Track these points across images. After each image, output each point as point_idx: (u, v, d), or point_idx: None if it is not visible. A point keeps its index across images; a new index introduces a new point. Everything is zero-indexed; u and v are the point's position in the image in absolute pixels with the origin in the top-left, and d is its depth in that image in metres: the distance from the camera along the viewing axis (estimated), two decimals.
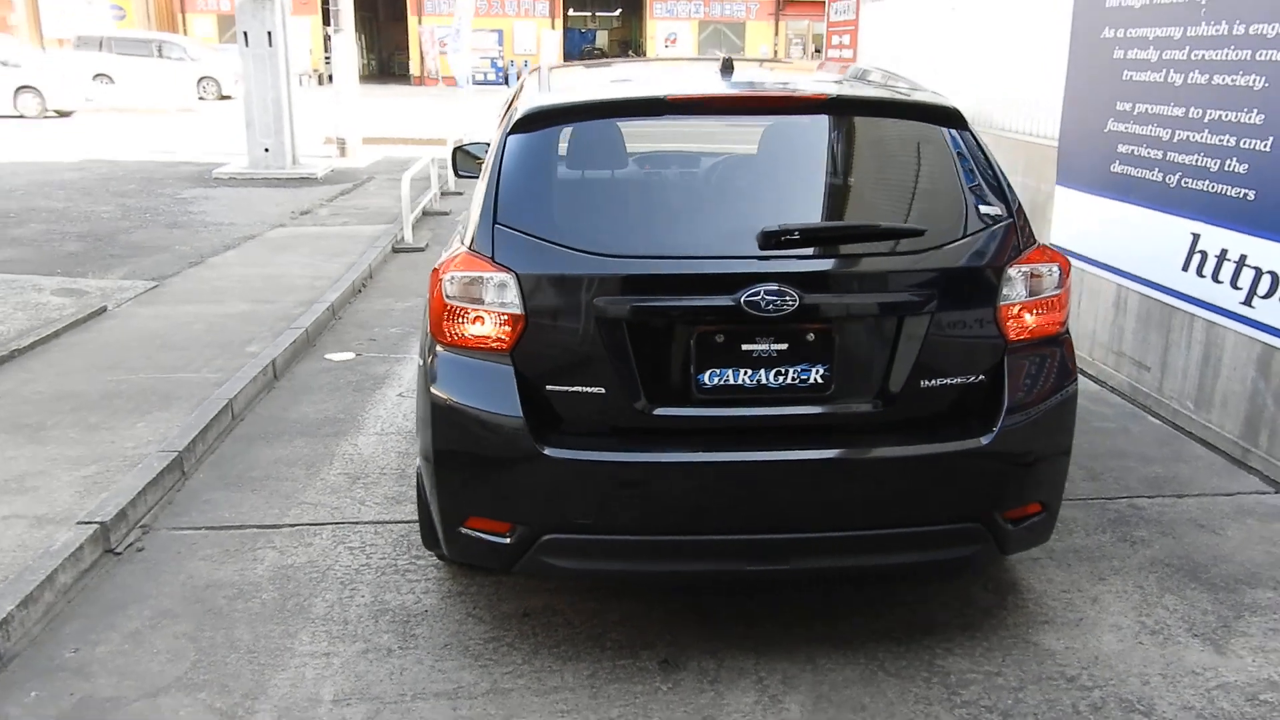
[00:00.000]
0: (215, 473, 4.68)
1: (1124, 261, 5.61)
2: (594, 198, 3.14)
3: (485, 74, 37.95)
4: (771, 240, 2.92)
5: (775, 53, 36.03)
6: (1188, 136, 5.02)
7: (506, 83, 38.03)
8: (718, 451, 2.97)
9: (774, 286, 2.86)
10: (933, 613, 3.54)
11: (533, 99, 3.28)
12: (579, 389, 2.97)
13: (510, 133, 3.18)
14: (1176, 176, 5.11)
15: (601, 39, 49.62)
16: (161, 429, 4.93)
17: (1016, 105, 6.87)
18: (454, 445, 3.04)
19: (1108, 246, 5.77)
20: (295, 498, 4.41)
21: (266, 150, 14.48)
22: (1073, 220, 6.10)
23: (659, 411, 2.98)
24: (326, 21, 38.72)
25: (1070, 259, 5.76)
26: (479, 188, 3.28)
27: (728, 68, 3.55)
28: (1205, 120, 4.90)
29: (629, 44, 46.37)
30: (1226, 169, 4.75)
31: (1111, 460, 4.82)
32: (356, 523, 4.18)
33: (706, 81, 3.48)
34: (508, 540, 3.03)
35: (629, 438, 2.99)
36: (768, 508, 3.00)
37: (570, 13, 46.21)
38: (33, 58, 25.81)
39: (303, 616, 3.51)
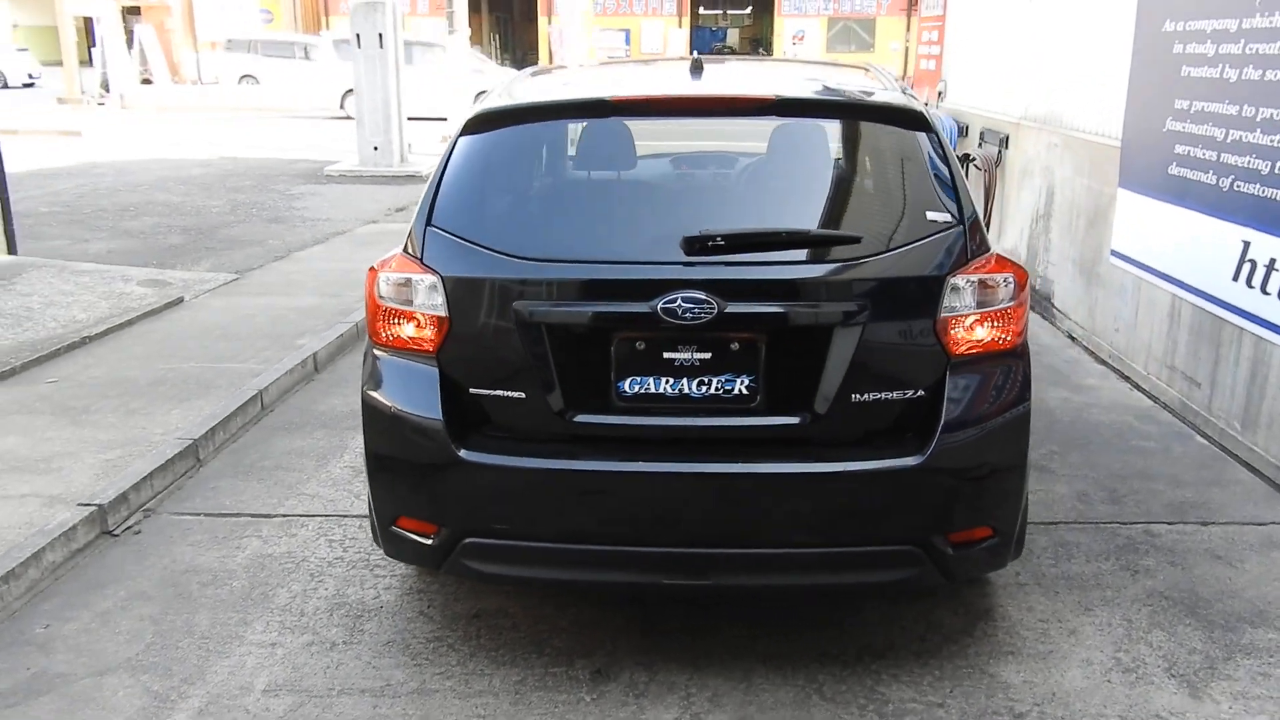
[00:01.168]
0: (230, 461, 4.85)
1: (1178, 270, 5.25)
2: (527, 200, 3.12)
3: None
4: (695, 246, 2.85)
5: (905, 50, 35.01)
6: (1240, 137, 4.66)
7: None
8: (635, 461, 2.91)
9: (691, 294, 2.79)
10: (891, 635, 3.39)
11: (486, 102, 3.28)
12: (501, 393, 2.96)
13: (459, 135, 3.19)
14: (1229, 180, 4.75)
15: (733, 37, 49.33)
16: (192, 416, 5.14)
17: (1083, 103, 6.50)
18: (382, 445, 3.07)
19: (1163, 254, 5.41)
20: (297, 489, 4.53)
21: (376, 148, 14.94)
22: (1132, 225, 5.75)
23: (579, 418, 2.94)
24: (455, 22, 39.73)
25: (1132, 266, 5.48)
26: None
27: (697, 68, 3.48)
28: (1258, 119, 4.54)
29: (759, 41, 45.98)
30: (1278, 172, 4.39)
31: (1138, 482, 4.52)
32: (345, 516, 4.27)
33: (661, 83, 3.41)
34: (433, 541, 3.04)
35: (548, 444, 2.96)
36: (687, 521, 2.92)
37: (701, 10, 46.13)
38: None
39: (263, 606, 3.60)
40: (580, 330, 2.91)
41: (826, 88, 3.39)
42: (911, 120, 3.15)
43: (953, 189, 3.04)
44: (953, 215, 2.97)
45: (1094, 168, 6.29)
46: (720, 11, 47.88)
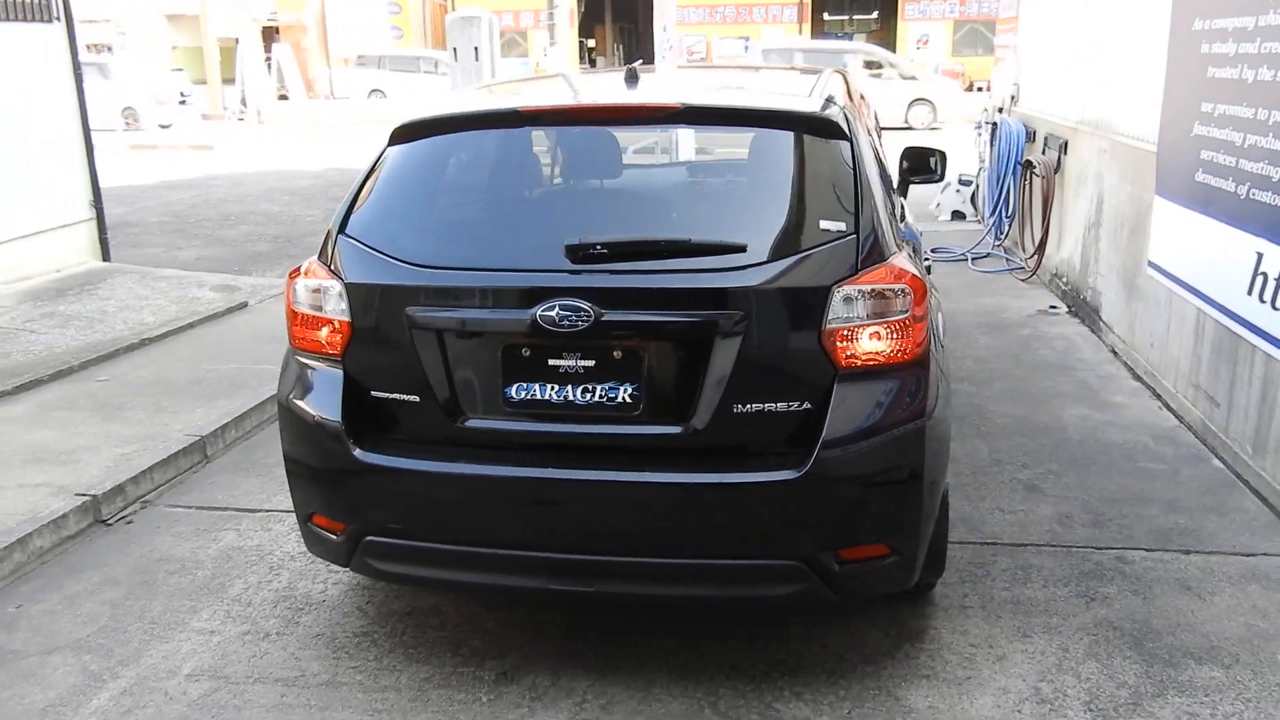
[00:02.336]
0: (237, 457, 5.10)
1: (1202, 283, 4.96)
2: (432, 210, 3.20)
3: None
4: (576, 254, 2.88)
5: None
6: (1255, 142, 4.39)
7: None
8: (520, 466, 2.95)
9: (569, 301, 2.81)
10: (809, 652, 3.33)
11: (410, 114, 3.38)
12: (399, 396, 3.04)
13: (386, 146, 3.31)
14: (1245, 187, 4.48)
15: (859, 41, 48.56)
16: (213, 415, 5.42)
17: (1127, 106, 6.21)
18: (293, 445, 3.20)
19: (1190, 265, 5.12)
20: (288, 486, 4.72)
21: None
22: (1166, 235, 5.46)
23: (470, 423, 3.00)
24: (582, 34, 40.41)
25: (1164, 279, 5.22)
26: None
27: (632, 78, 3.51)
28: (1270, 123, 4.26)
29: (888, 47, 45.12)
30: None
31: (1130, 506, 4.29)
32: None
33: (582, 93, 3.44)
34: (339, 539, 3.15)
35: (441, 447, 3.03)
36: (570, 527, 2.95)
37: (826, 16, 45.62)
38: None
39: (217, 595, 3.79)
40: (469, 336, 2.97)
41: (745, 96, 3.36)
42: (819, 128, 3.10)
43: (854, 198, 2.97)
44: (848, 225, 2.91)
45: (1136, 174, 6.00)
46: (846, 17, 47.24)
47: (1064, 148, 7.59)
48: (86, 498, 4.34)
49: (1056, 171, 7.72)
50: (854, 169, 3.04)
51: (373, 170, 3.28)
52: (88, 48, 44.62)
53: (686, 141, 3.38)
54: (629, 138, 4.30)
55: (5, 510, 4.27)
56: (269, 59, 31.26)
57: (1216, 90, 4.79)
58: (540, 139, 3.24)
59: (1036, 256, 8.01)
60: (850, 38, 48.49)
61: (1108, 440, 5.00)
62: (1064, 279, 7.58)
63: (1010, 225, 8.84)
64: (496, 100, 3.30)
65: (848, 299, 2.83)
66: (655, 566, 2.93)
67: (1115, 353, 6.28)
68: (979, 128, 10.14)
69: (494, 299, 2.93)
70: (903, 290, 2.87)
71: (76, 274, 8.61)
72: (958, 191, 10.76)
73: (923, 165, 5.37)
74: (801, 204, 3.01)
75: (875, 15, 45.87)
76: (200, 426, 5.21)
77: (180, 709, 3.13)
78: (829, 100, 3.27)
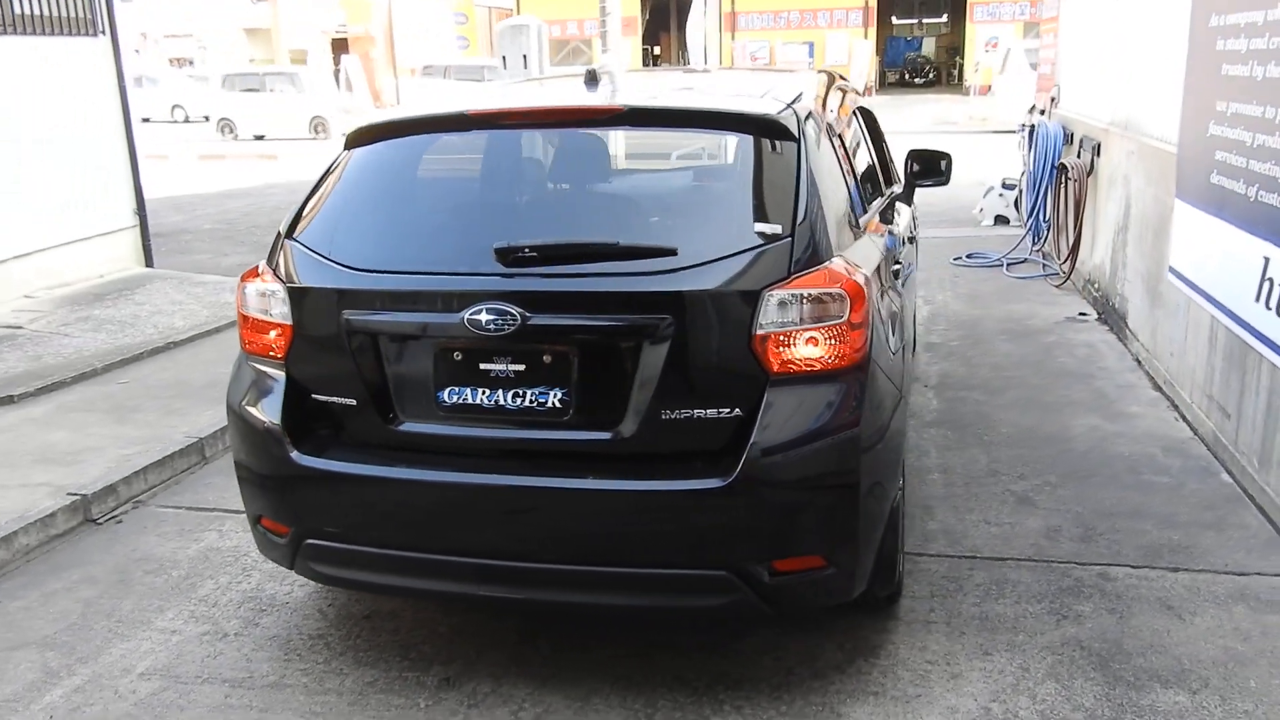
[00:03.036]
0: None
1: (1216, 288, 4.76)
2: (372, 213, 3.19)
3: None
4: (506, 257, 2.85)
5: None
6: (1264, 142, 4.19)
7: None
8: (450, 471, 2.93)
9: (495, 305, 2.79)
10: (759, 665, 3.25)
11: (366, 119, 3.40)
12: (338, 400, 3.05)
13: (343, 150, 3.33)
14: (1255, 189, 4.28)
15: (928, 47, 47.91)
16: (220, 417, 5.50)
17: (1152, 108, 5.99)
18: (240, 448, 3.22)
19: (1205, 270, 4.91)
20: None
21: None
22: (1185, 239, 5.25)
23: (404, 427, 2.99)
24: (646, 41, 40.53)
25: (1182, 284, 5.03)
26: None
27: (591, 80, 3.48)
28: (1278, 121, 4.07)
29: (956, 50, 44.42)
30: None
31: (1125, 520, 4.12)
32: None
33: (536, 96, 3.42)
34: (283, 542, 3.17)
35: (376, 451, 3.03)
36: (501, 533, 2.92)
37: (894, 20, 45.08)
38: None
39: (186, 595, 3.84)
40: (402, 340, 2.96)
41: (691, 97, 3.31)
42: (763, 129, 3.03)
43: (794, 200, 2.89)
44: (784, 228, 2.84)
45: (1160, 177, 5.78)
46: (915, 20, 46.62)
47: (1097, 150, 7.36)
48: (77, 497, 4.44)
49: (1090, 174, 7.48)
50: (797, 171, 2.96)
51: (326, 175, 3.30)
52: (171, 61, 46.17)
53: (619, 144, 3.34)
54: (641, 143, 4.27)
55: (1, 509, 4.38)
56: (337, 70, 31.89)
57: (1230, 89, 4.60)
58: (488, 142, 3.22)
59: (1069, 262, 7.77)
60: (919, 41, 47.88)
61: (1114, 452, 4.82)
62: (1095, 285, 7.35)
63: (1048, 230, 8.60)
64: (447, 104, 3.30)
65: (779, 303, 2.76)
66: (584, 575, 2.88)
67: (1139, 361, 6.06)
68: (1022, 130, 9.89)
69: (425, 302, 2.92)
70: (837, 295, 2.79)
71: (117, 279, 8.85)
72: (1000, 196, 10.52)
73: (930, 168, 5.26)
74: (738, 206, 2.95)
75: (945, 18, 45.20)
76: (203, 428, 5.30)
77: (126, 707, 3.17)
78: (783, 101, 3.20)
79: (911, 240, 4.76)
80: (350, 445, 3.06)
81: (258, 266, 3.21)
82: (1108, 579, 3.69)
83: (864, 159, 4.31)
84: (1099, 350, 6.38)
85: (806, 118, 3.25)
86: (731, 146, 3.06)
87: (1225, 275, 4.60)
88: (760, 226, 2.84)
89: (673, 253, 2.81)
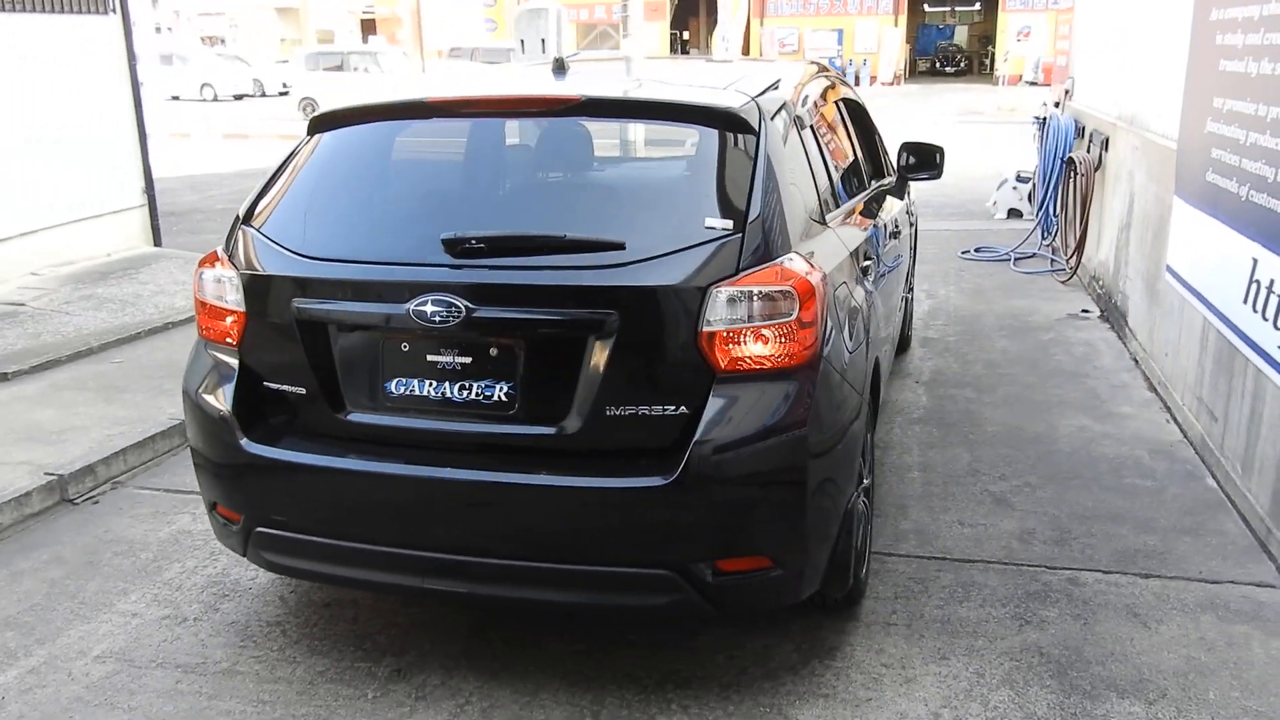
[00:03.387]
0: None
1: (1207, 289, 4.66)
2: (326, 201, 3.16)
3: None
4: (454, 249, 2.82)
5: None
6: (1255, 140, 4.09)
7: None
8: (394, 463, 2.91)
9: (440, 296, 2.76)
10: (713, 664, 3.22)
11: (329, 105, 3.37)
12: (288, 388, 3.04)
13: (306, 136, 3.31)
14: (1245, 188, 4.18)
15: (961, 35, 47.37)
16: None
17: (1155, 103, 5.86)
18: (194, 434, 3.22)
19: (1198, 270, 4.81)
20: None
21: None
22: (1181, 237, 5.14)
23: (353, 417, 2.97)
24: (674, 25, 40.30)
25: (1177, 283, 4.94)
26: None
27: (559, 69, 3.44)
28: (1268, 118, 3.96)
29: (989, 39, 43.88)
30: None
31: (1101, 525, 4.05)
32: None
33: (498, 84, 3.38)
34: (236, 529, 3.16)
35: (325, 441, 3.01)
36: (445, 526, 2.90)
37: (927, 8, 44.58)
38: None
39: (150, 579, 3.85)
40: (350, 329, 2.94)
41: (652, 88, 3.25)
42: (723, 122, 2.98)
43: (748, 195, 2.84)
44: (736, 223, 2.79)
45: (1162, 173, 5.66)
46: (948, 8, 46.09)
47: (1105, 144, 7.23)
48: (53, 477, 4.47)
49: (1097, 169, 7.35)
50: (755, 165, 2.91)
51: (287, 160, 3.28)
52: (202, 40, 46.46)
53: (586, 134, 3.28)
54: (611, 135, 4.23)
55: None
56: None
57: (1227, 85, 4.49)
58: (445, 130, 3.19)
59: (1075, 257, 7.66)
60: (951, 30, 47.35)
61: (1099, 453, 4.74)
62: (1099, 282, 7.23)
63: (1056, 225, 8.47)
64: (409, 91, 3.27)
65: (726, 300, 2.71)
66: (527, 570, 2.86)
67: (1136, 361, 5.96)
68: (1035, 123, 9.73)
69: (372, 292, 2.89)
70: (787, 293, 2.73)
71: (124, 258, 8.91)
72: (1014, 189, 10.37)
73: (923, 161, 5.20)
74: (691, 200, 2.90)
75: (978, 6, 44.66)
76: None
77: (77, 690, 3.18)
78: (747, 93, 3.14)
79: (895, 235, 4.68)
80: (300, 435, 3.05)
81: (215, 252, 3.19)
82: (1077, 584, 3.63)
83: (847, 152, 4.24)
84: (1097, 349, 6.28)
85: (775, 111, 3.19)
86: (690, 139, 3.01)
87: (1216, 276, 4.50)
88: (711, 221, 2.79)
89: (620, 246, 2.77)
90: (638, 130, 3.15)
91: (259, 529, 3.08)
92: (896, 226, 4.86)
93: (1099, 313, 6.96)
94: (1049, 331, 6.67)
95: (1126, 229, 6.46)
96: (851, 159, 4.28)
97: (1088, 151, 7.68)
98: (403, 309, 2.80)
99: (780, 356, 2.75)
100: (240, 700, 3.12)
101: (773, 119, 3.13)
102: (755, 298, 2.72)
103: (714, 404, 2.73)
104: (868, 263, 3.64)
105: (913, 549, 3.90)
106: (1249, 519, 3.97)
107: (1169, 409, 5.19)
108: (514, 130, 3.26)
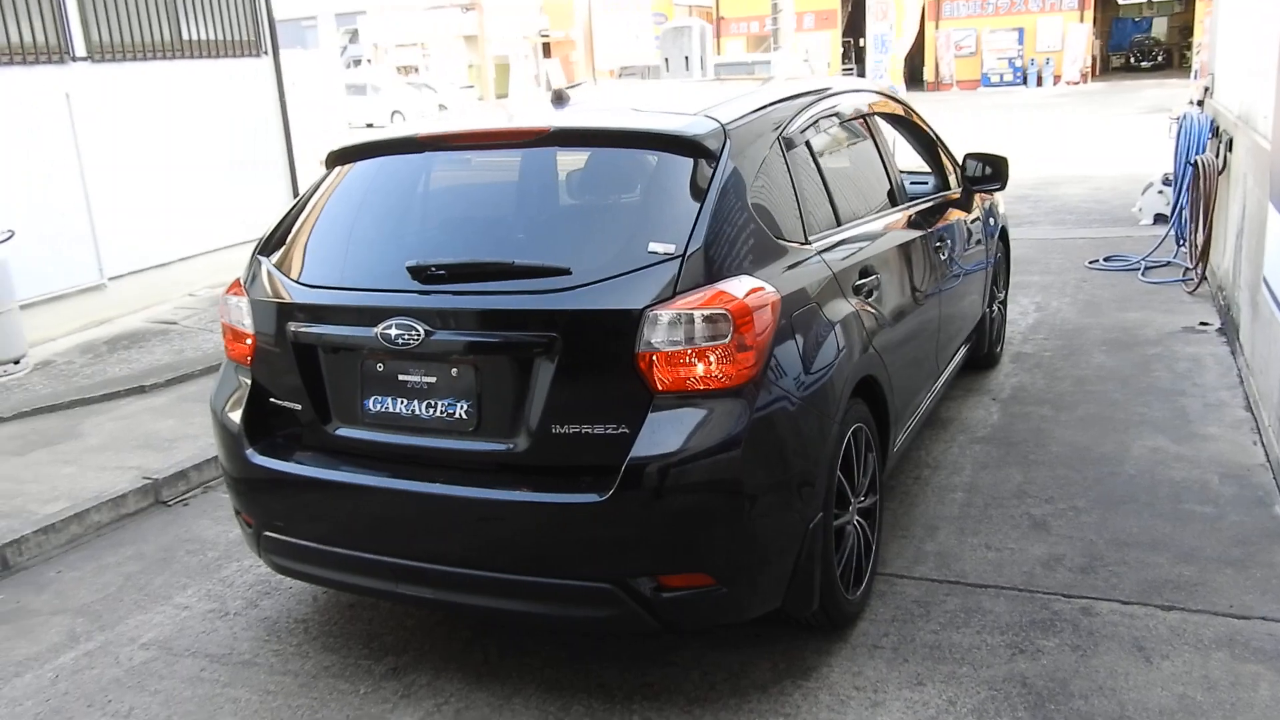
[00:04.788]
0: None
1: None
2: (323, 232, 3.41)
3: (1002, 75, 36.30)
4: (418, 275, 3.01)
5: None
6: None
7: (1025, 83, 36.02)
8: (372, 474, 3.11)
9: (403, 320, 2.96)
10: (688, 677, 3.27)
11: (343, 141, 3.65)
12: (288, 404, 3.31)
13: (326, 170, 3.60)
14: None
15: (1159, 28, 44.59)
16: None
17: (1262, 103, 5.46)
18: (219, 444, 3.54)
19: None
20: None
21: None
22: (1275, 247, 4.78)
23: (339, 432, 3.21)
24: (847, 33, 39.78)
25: (1268, 295, 4.65)
26: None
27: (558, 99, 3.59)
28: None
29: (1190, 30, 41.08)
30: None
31: (1138, 552, 3.84)
32: None
33: (483, 118, 3.54)
34: (251, 533, 3.46)
35: (315, 453, 3.26)
36: (413, 535, 3.08)
37: (1120, 1, 42.21)
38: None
39: (210, 575, 4.23)
40: (334, 351, 3.17)
41: (619, 116, 3.35)
42: (679, 148, 3.05)
43: (695, 219, 2.90)
44: (678, 247, 2.85)
45: (1264, 178, 5.28)
46: (1144, 0, 43.46)
47: (1230, 145, 6.77)
48: (149, 481, 4.95)
49: (1222, 171, 6.88)
50: (707, 189, 2.97)
51: (307, 194, 3.57)
52: (398, 70, 49.22)
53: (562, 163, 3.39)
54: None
55: (86, 487, 4.96)
56: (536, 75, 33.11)
57: None
58: (434, 163, 3.39)
59: (1200, 266, 7.18)
60: (1149, 22, 44.67)
61: (1164, 477, 4.47)
62: (1223, 292, 6.76)
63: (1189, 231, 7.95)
64: (411, 128, 3.49)
65: (662, 322, 2.78)
66: (482, 580, 3.00)
67: (1241, 378, 5.55)
68: (1174, 122, 9.15)
69: (351, 317, 3.12)
70: (722, 316, 2.78)
71: None
72: (1160, 193, 9.77)
73: (987, 171, 5.09)
74: (640, 225, 2.97)
75: None
76: None
77: (119, 672, 3.55)
78: (715, 118, 3.19)
79: (941, 249, 4.57)
80: (296, 447, 3.31)
81: (238, 279, 3.51)
82: (1089, 614, 3.47)
83: (862, 171, 4.20)
84: (1202, 364, 5.88)
85: (749, 134, 3.24)
86: (652, 165, 3.09)
87: None
88: (654, 245, 2.87)
89: (566, 272, 2.88)
90: (606, 157, 3.24)
91: (265, 533, 3.37)
92: (951, 240, 4.75)
93: (1218, 326, 6.51)
94: (1156, 346, 6.29)
95: (1240, 235, 6.03)
96: (872, 177, 4.23)
97: (1216, 153, 7.19)
98: (373, 332, 3.01)
99: (718, 378, 2.80)
100: (249, 689, 3.40)
101: (742, 142, 3.18)
102: (689, 320, 2.78)
103: (650, 423, 2.80)
104: (866, 280, 3.60)
105: (928, 571, 3.82)
106: None
107: (1259, 430, 4.83)
108: (495, 162, 3.43)
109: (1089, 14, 35.75)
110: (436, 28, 47.53)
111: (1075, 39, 34.52)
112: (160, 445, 5.58)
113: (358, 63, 52.38)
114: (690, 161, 3.04)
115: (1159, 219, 9.88)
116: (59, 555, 4.52)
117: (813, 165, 3.61)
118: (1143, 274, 8.06)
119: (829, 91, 4.05)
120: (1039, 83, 35.20)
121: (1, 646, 3.77)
